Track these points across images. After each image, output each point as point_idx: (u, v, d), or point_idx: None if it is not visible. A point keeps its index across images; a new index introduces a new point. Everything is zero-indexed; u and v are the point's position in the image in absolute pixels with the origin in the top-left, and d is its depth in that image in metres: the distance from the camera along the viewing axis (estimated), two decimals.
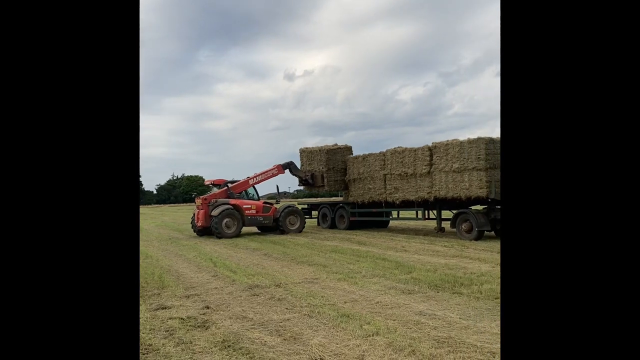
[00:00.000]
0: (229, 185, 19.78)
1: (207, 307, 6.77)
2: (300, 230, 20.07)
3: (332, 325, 5.63)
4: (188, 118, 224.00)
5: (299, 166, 22.20)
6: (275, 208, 20.03)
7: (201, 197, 19.44)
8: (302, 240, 16.43)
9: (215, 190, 19.91)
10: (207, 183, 21.28)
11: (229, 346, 5.02)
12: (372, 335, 5.17)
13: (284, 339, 5.19)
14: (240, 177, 20.66)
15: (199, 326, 5.82)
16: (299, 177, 22.02)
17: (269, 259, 12.02)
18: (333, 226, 21.82)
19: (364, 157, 20.20)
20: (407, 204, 18.44)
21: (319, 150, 21.68)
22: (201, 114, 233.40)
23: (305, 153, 22.51)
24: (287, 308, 6.57)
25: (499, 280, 8.39)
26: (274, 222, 19.72)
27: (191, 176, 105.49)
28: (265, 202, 19.99)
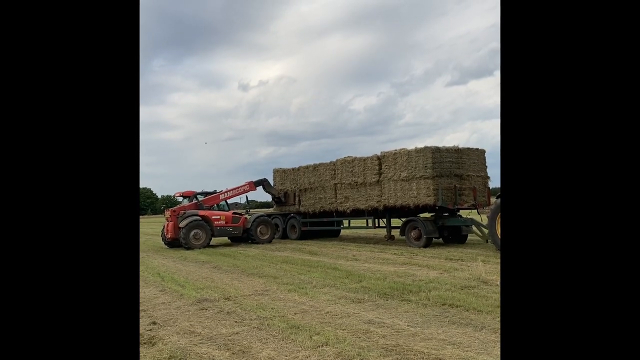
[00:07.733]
0: (198, 197, 19.90)
1: (154, 323, 6.58)
2: (270, 240, 20.02)
3: (282, 337, 5.59)
4: (140, 128, 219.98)
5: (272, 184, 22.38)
6: (246, 218, 20.09)
7: (170, 209, 19.48)
8: (252, 252, 16.28)
9: (185, 202, 20.03)
10: (176, 195, 21.56)
11: None
12: (322, 345, 5.17)
13: (233, 353, 5.11)
14: (193, 188, 20.80)
15: (144, 343, 5.65)
16: (272, 195, 22.27)
17: (218, 271, 11.83)
18: (285, 236, 21.80)
19: (315, 166, 20.31)
20: (357, 213, 18.61)
21: (292, 170, 21.83)
22: (154, 125, 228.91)
23: (278, 173, 22.73)
24: (236, 321, 6.48)
25: (447, 286, 8.56)
26: (244, 233, 19.73)
27: (140, 188, 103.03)
28: (234, 213, 20.08)
